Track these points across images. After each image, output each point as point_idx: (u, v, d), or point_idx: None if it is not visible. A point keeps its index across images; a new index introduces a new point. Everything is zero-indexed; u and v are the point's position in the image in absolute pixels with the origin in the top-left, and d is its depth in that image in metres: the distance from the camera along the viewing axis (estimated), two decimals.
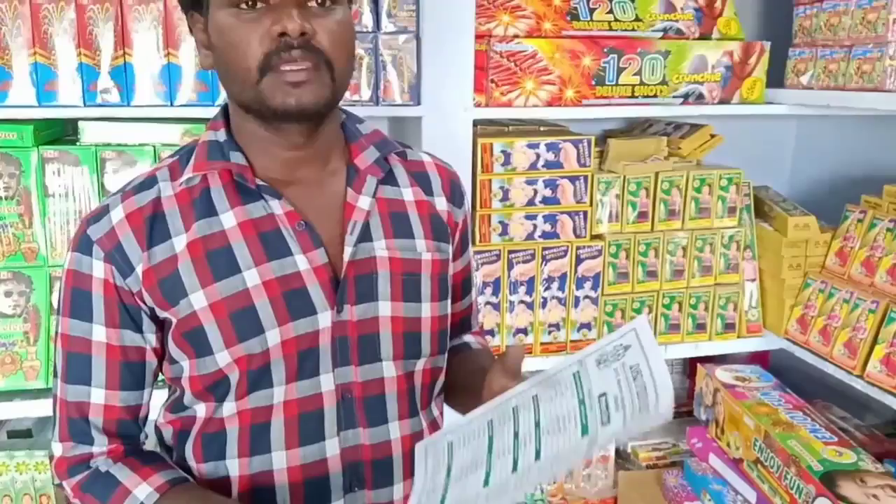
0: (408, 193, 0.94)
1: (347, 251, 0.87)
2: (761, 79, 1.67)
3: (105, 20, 1.29)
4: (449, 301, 0.97)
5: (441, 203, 0.97)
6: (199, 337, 0.83)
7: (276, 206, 0.86)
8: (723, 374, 1.66)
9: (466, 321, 1.10)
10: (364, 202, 0.89)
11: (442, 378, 0.99)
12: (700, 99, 1.64)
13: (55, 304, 1.18)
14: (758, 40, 1.67)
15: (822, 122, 1.91)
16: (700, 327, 1.74)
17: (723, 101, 1.66)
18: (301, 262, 0.85)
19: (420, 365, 0.93)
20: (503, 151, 1.55)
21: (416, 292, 0.91)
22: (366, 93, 1.44)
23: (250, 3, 0.79)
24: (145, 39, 1.32)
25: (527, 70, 1.52)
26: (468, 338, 1.10)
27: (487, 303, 1.60)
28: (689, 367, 1.94)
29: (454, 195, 0.99)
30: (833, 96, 1.54)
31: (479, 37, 1.49)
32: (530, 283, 1.62)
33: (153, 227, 0.84)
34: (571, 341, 1.67)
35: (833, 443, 1.35)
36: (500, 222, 1.58)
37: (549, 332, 1.65)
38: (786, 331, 1.69)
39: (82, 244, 0.85)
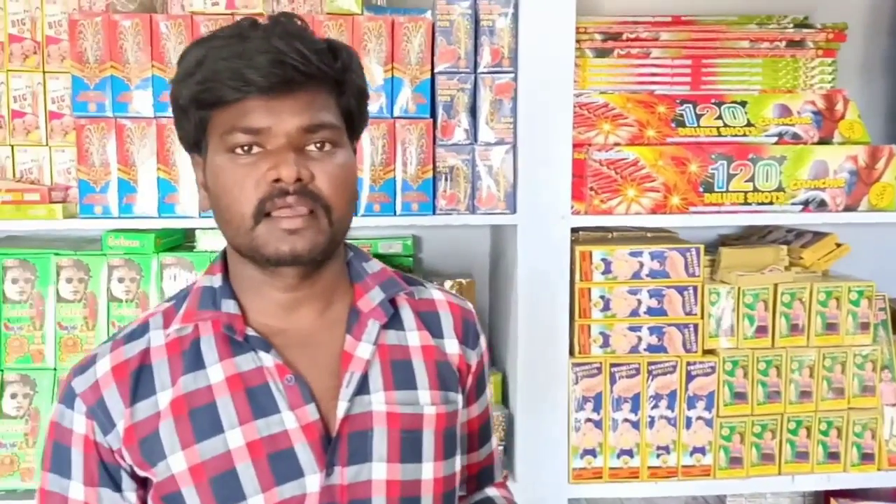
0: (413, 338, 0.88)
1: (341, 406, 0.81)
2: (892, 184, 1.54)
3: None
4: (457, 458, 0.89)
5: (451, 346, 0.91)
6: (178, 502, 0.79)
7: (266, 359, 0.81)
8: None
9: (487, 473, 1.01)
10: (364, 350, 0.84)
11: None
12: (822, 206, 1.53)
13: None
14: (885, 142, 1.55)
15: None
16: (832, 456, 1.55)
17: (848, 209, 1.53)
18: (289, 419, 0.80)
19: None
20: (603, 259, 1.50)
21: (416, 452, 0.84)
22: (462, 202, 1.45)
23: (246, 147, 0.78)
24: None
25: (628, 177, 1.48)
26: (491, 491, 1.01)
27: (588, 419, 1.51)
28: (824, 501, 1.73)
29: (467, 335, 0.93)
30: None
31: (577, 146, 1.48)
32: (635, 400, 1.52)
33: (139, 381, 0.81)
34: (683, 466, 1.53)
35: None
36: (601, 333, 1.51)
37: (658, 456, 1.53)
38: None
39: (67, 396, 0.82)
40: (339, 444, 0.80)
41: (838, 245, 1.58)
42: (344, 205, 0.81)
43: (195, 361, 0.82)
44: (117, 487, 0.82)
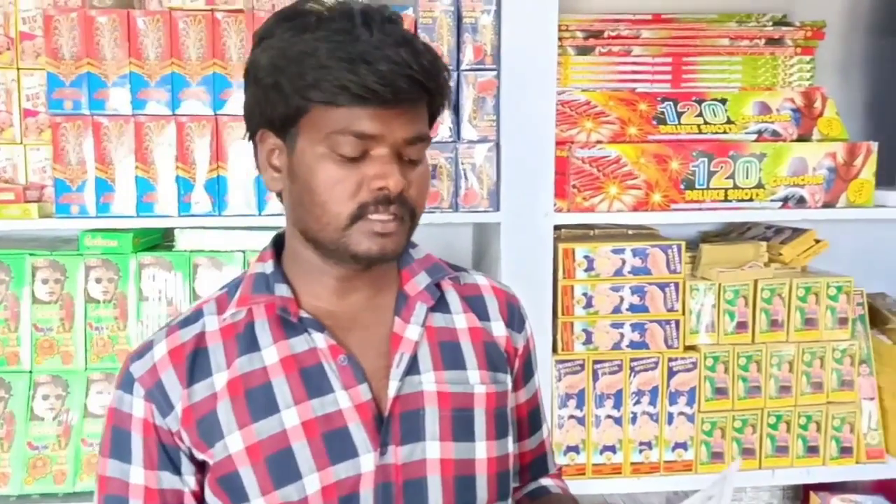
0: (460, 320, 0.89)
1: (392, 386, 0.82)
2: (870, 181, 1.56)
3: (201, 135, 1.37)
4: (510, 438, 0.89)
5: (498, 328, 0.91)
6: (235, 483, 0.79)
7: (320, 340, 0.83)
8: None
9: (541, 463, 1.01)
10: (412, 332, 0.85)
11: None
12: (801, 203, 1.54)
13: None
14: (863, 139, 1.57)
15: None
16: (812, 450, 1.57)
17: (827, 205, 1.55)
18: (343, 399, 0.81)
19: None
20: (586, 257, 1.50)
21: (469, 430, 0.84)
22: (445, 200, 1.44)
23: (355, 156, 0.78)
24: (239, 153, 1.39)
25: (610, 175, 1.49)
26: (546, 481, 1.00)
27: (571, 416, 1.52)
28: (803, 494, 1.75)
29: (513, 319, 0.93)
30: None
31: (560, 143, 1.48)
32: (618, 397, 1.53)
33: (195, 364, 0.82)
34: (665, 462, 1.54)
35: None
36: (584, 330, 1.52)
37: (641, 451, 1.54)
38: None
39: (125, 381, 0.83)
40: (391, 423, 0.81)
41: (817, 241, 1.60)
42: (423, 209, 0.84)
43: (250, 344, 0.83)
44: (177, 470, 0.82)
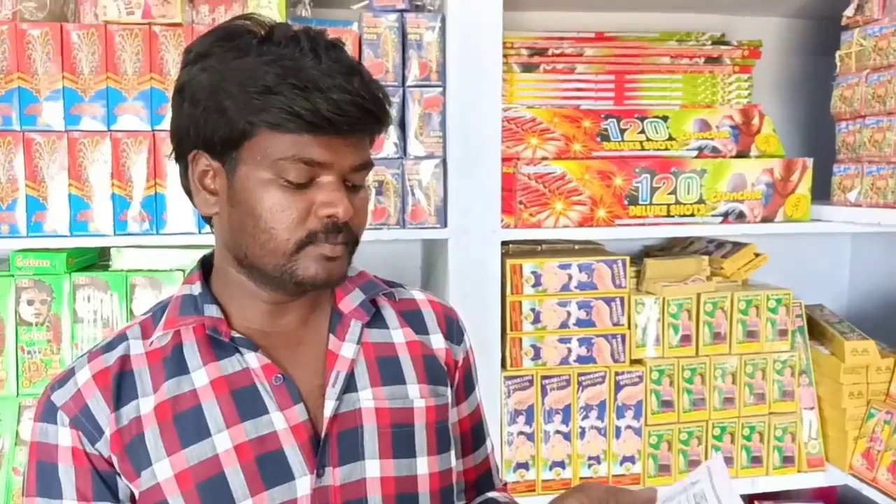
0: (398, 335, 0.88)
1: (329, 405, 0.80)
2: (806, 196, 1.60)
3: (138, 152, 1.33)
4: (452, 454, 0.88)
5: (437, 341, 0.91)
6: None
7: (253, 360, 0.80)
8: None
9: (486, 478, 0.99)
10: (348, 349, 0.83)
11: None
12: (741, 217, 1.58)
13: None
14: (800, 156, 1.61)
15: (878, 237, 1.82)
16: (756, 461, 1.60)
17: (765, 220, 1.59)
18: (278, 420, 0.78)
19: None
20: (533, 272, 1.51)
21: (410, 446, 0.83)
22: (392, 216, 1.43)
23: (302, 182, 0.76)
24: (178, 170, 1.35)
25: (556, 191, 1.50)
26: (493, 494, 0.98)
27: (521, 433, 1.52)
28: None
29: (451, 331, 0.93)
30: (883, 214, 1.46)
31: (506, 160, 1.49)
32: (566, 412, 1.53)
33: (121, 387, 0.79)
34: (614, 476, 1.55)
35: None
36: (532, 346, 1.52)
37: (590, 466, 1.54)
38: (850, 465, 1.54)
39: (46, 412, 0.79)
40: (328, 444, 0.79)
41: (757, 255, 1.64)
42: (362, 233, 0.83)
43: (178, 366, 0.80)
44: (115, 498, 0.78)
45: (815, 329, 1.67)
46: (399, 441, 0.82)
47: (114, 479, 0.78)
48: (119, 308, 1.38)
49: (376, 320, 0.88)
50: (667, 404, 1.57)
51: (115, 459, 0.77)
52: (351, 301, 0.86)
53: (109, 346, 0.82)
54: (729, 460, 1.58)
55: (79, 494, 0.77)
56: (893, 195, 1.44)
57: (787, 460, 1.60)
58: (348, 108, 0.74)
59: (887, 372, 1.54)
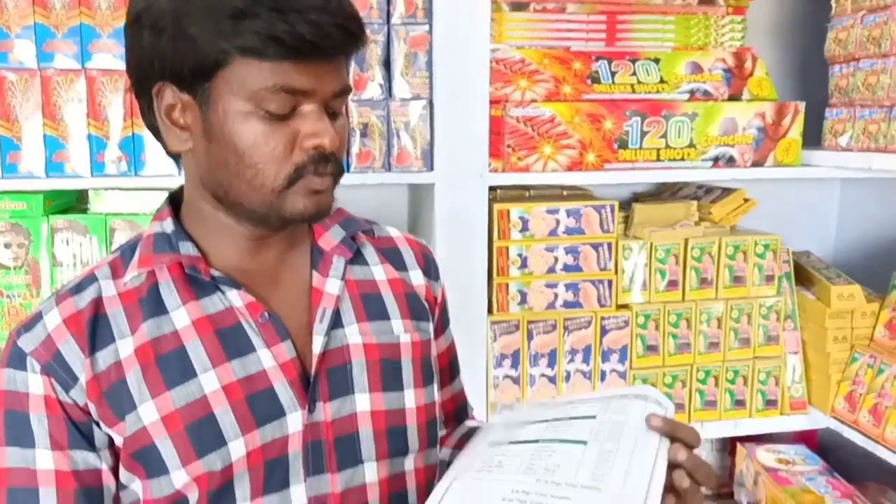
0: (379, 272, 0.87)
1: (317, 342, 0.78)
2: (797, 140, 1.58)
3: (114, 91, 1.29)
4: (436, 386, 0.88)
5: (416, 277, 0.90)
6: (152, 456, 0.74)
7: (235, 298, 0.78)
8: (764, 455, 1.53)
9: (463, 409, 1.01)
10: (332, 286, 0.82)
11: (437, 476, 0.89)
12: (731, 162, 1.56)
13: None
14: (792, 100, 1.59)
15: (867, 183, 1.81)
16: (739, 404, 1.62)
17: (756, 164, 1.57)
18: (266, 358, 0.76)
19: (409, 464, 0.83)
20: (521, 217, 1.49)
21: (398, 380, 0.83)
22: (378, 160, 1.40)
23: (284, 113, 0.72)
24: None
25: (545, 135, 1.47)
26: (469, 422, 1.01)
27: (506, 376, 1.52)
28: (730, 445, 1.81)
29: (429, 268, 0.92)
30: (874, 158, 1.44)
31: (494, 102, 1.46)
32: (552, 356, 1.53)
33: (95, 331, 0.75)
34: None
35: None
36: (519, 291, 1.51)
37: None
38: (832, 408, 1.56)
39: (14, 359, 0.75)
40: (318, 380, 0.78)
41: (746, 200, 1.63)
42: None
43: (156, 307, 0.76)
44: (91, 447, 0.75)
45: (802, 275, 1.68)
46: (387, 375, 0.82)
47: (89, 427, 0.75)
48: (99, 252, 1.35)
49: (357, 257, 0.86)
50: (652, 349, 1.57)
51: (91, 407, 0.75)
52: (331, 237, 0.85)
53: (78, 288, 0.78)
54: (712, 403, 1.60)
55: (53, 443, 0.74)
56: (885, 139, 1.42)
57: (770, 403, 1.62)
58: (330, 29, 0.70)
59: (872, 317, 1.55)
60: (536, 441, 0.71)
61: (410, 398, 0.83)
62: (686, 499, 0.70)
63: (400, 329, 0.85)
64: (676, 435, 0.71)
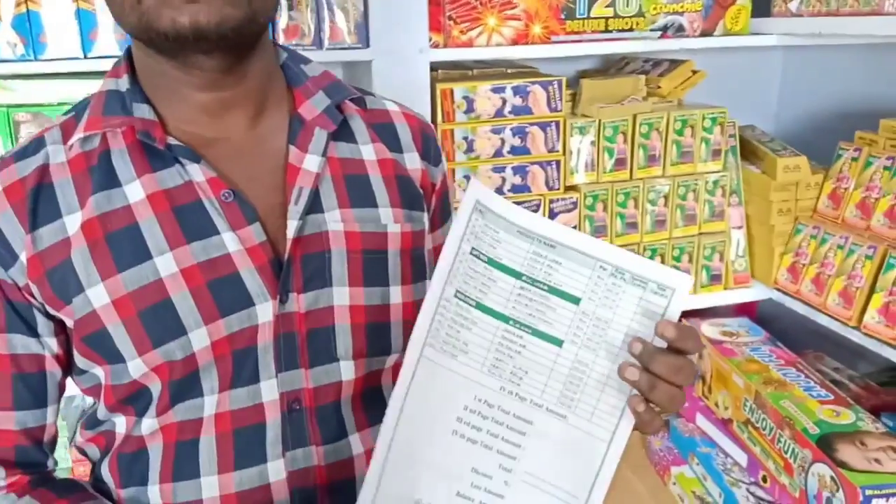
0: (368, 151, 0.77)
1: (292, 225, 0.69)
2: (746, 6, 1.53)
3: None
4: (427, 283, 0.80)
5: (412, 160, 0.80)
6: (105, 342, 0.67)
7: (196, 172, 0.69)
8: (709, 328, 1.56)
9: None
10: (312, 162, 0.72)
11: None
12: (680, 31, 1.50)
13: None
14: None
15: (812, 52, 1.78)
16: None
17: (704, 33, 1.51)
18: (230, 241, 0.68)
19: (389, 363, 0.77)
20: (465, 97, 1.41)
21: (382, 274, 0.74)
22: (308, 36, 1.28)
23: None
24: None
25: (488, 4, 1.37)
26: None
27: None
28: None
29: (428, 150, 0.82)
30: (824, 23, 1.40)
31: None
32: None
33: (38, 203, 0.68)
34: None
35: (829, 401, 1.25)
36: (466, 176, 1.45)
37: None
38: (775, 280, 1.58)
39: None
40: (291, 267, 0.70)
41: (694, 72, 1.58)
42: None
43: (107, 178, 0.68)
44: (32, 331, 0.70)
45: (747, 148, 1.66)
46: (371, 268, 0.74)
47: (30, 310, 0.69)
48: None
49: (343, 132, 0.76)
50: (600, 229, 1.55)
51: (33, 288, 0.68)
52: (314, 105, 0.74)
53: (23, 153, 0.69)
54: None
55: None
56: (837, 2, 1.38)
57: (715, 278, 1.64)
58: None
59: (816, 188, 1.55)
60: (507, 320, 0.65)
61: (396, 294, 0.75)
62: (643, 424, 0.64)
63: (388, 218, 0.76)
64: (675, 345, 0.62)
